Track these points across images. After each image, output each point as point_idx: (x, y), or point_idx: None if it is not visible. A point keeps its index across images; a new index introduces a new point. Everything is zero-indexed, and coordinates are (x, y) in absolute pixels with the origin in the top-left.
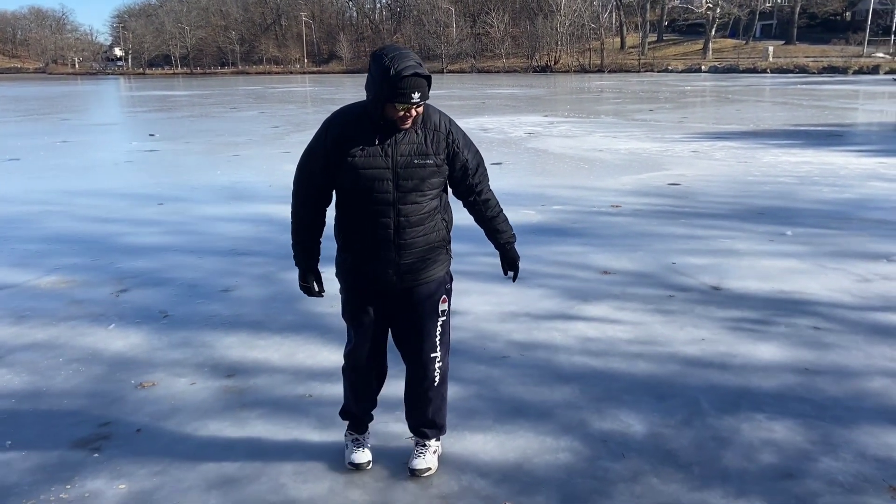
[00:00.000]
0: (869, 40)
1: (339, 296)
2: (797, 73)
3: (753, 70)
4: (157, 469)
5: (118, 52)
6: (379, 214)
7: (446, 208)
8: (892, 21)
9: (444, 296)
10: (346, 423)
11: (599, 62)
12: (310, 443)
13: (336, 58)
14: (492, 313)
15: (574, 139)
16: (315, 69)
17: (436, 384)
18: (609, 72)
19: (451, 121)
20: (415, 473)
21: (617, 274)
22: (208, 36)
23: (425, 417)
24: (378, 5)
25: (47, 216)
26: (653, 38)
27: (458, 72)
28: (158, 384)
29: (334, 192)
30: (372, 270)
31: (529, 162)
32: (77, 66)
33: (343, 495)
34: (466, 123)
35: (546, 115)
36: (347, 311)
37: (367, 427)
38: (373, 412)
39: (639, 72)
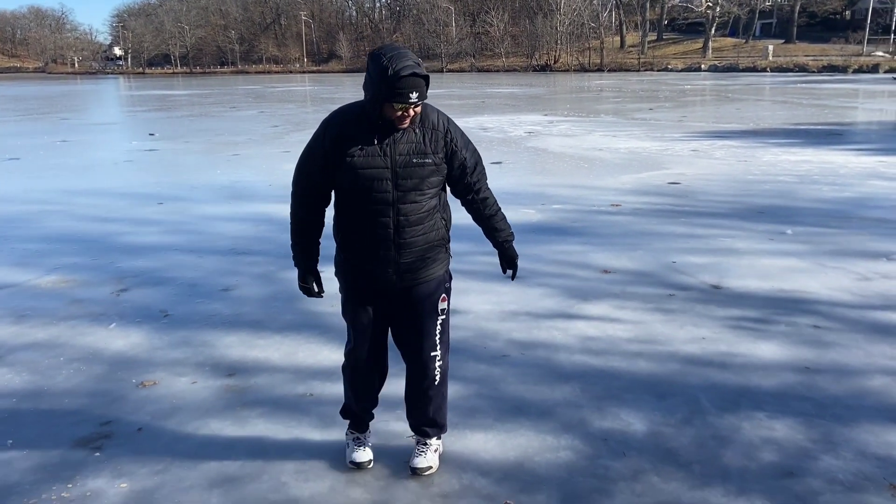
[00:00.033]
0: (869, 39)
1: (339, 295)
2: (797, 71)
3: (753, 69)
4: (159, 468)
5: (118, 51)
6: (378, 214)
7: (445, 207)
8: (891, 20)
9: (443, 294)
10: (347, 421)
11: (599, 61)
12: (311, 442)
13: (336, 57)
14: (492, 312)
15: (574, 138)
16: (315, 68)
17: (436, 383)
18: (609, 71)
19: (449, 119)
20: (416, 472)
21: (617, 273)
22: (208, 35)
23: (426, 416)
24: (377, 4)
25: (47, 215)
26: (652, 37)
27: (457, 71)
28: (159, 383)
29: (333, 191)
30: (371, 270)
31: (529, 161)
32: (76, 65)
33: (344, 494)
34: (466, 123)
35: (546, 115)
36: (347, 311)
37: (368, 426)
38: (374, 411)
39: (638, 71)
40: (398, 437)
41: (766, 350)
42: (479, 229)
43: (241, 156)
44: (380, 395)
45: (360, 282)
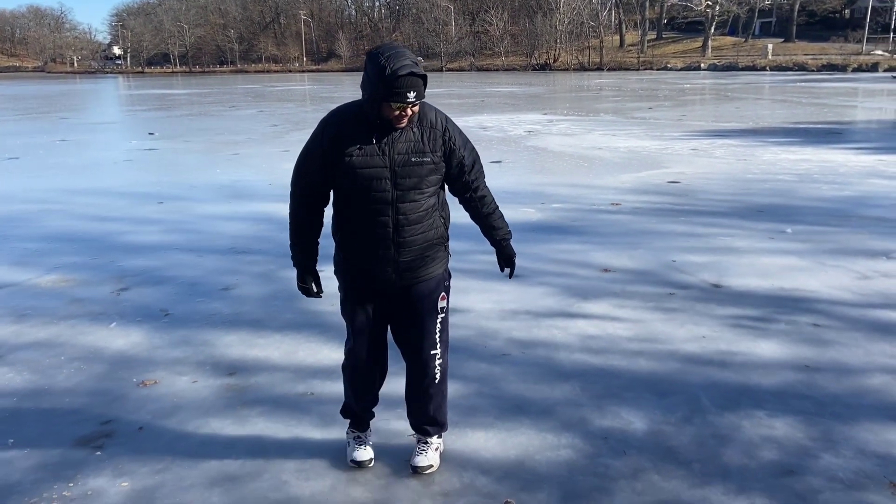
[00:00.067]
0: (868, 38)
1: (339, 294)
2: (796, 70)
3: (752, 68)
4: (159, 467)
5: (117, 50)
6: (377, 213)
7: (444, 206)
8: (891, 18)
9: (443, 293)
10: (348, 420)
11: (598, 60)
12: (311, 440)
13: (335, 56)
14: (492, 311)
15: (573, 137)
16: (314, 67)
17: (436, 381)
18: (608, 70)
19: (447, 118)
20: (417, 471)
21: (617, 272)
22: (207, 34)
23: (427, 415)
24: (377, 3)
25: (47, 215)
26: (652, 35)
27: (457, 70)
28: (160, 382)
29: (332, 191)
30: (371, 269)
31: (529, 160)
32: (76, 64)
33: (345, 493)
34: (466, 122)
35: (545, 114)
36: (347, 310)
37: (368, 425)
38: (374, 410)
39: (638, 70)
40: (399, 435)
41: (766, 348)
42: (479, 228)
43: (241, 155)
44: (380, 393)
45: (359, 281)
